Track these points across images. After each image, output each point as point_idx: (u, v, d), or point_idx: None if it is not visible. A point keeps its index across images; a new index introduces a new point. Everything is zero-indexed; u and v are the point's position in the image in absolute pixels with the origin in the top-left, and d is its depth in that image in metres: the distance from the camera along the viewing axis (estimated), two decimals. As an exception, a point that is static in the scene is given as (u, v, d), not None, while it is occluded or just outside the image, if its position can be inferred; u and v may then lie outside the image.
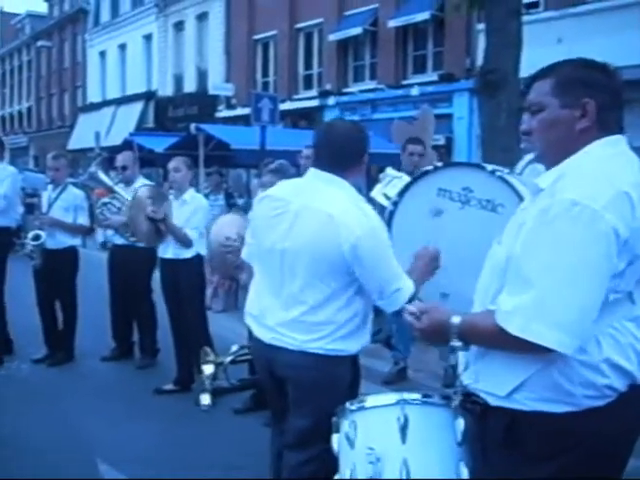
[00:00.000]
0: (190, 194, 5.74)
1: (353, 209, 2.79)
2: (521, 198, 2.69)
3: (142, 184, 6.22)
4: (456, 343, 2.02)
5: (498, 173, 2.89)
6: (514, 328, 1.84)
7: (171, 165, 5.72)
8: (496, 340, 1.92)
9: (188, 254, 5.62)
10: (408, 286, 2.82)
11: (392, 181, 3.47)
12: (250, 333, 3.24)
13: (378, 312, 3.08)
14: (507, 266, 1.95)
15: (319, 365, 2.84)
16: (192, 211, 5.60)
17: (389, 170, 3.54)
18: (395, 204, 3.10)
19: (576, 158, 1.96)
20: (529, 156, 3.75)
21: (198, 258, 5.73)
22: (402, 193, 3.10)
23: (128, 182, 6.41)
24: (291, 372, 2.89)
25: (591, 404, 1.88)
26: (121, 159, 6.53)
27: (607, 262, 1.80)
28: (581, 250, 1.79)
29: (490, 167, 2.97)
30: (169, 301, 5.85)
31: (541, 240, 1.85)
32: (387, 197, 3.38)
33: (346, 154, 2.90)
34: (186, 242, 5.55)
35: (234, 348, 3.57)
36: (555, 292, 1.81)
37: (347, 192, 2.87)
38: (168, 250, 5.68)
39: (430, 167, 3.10)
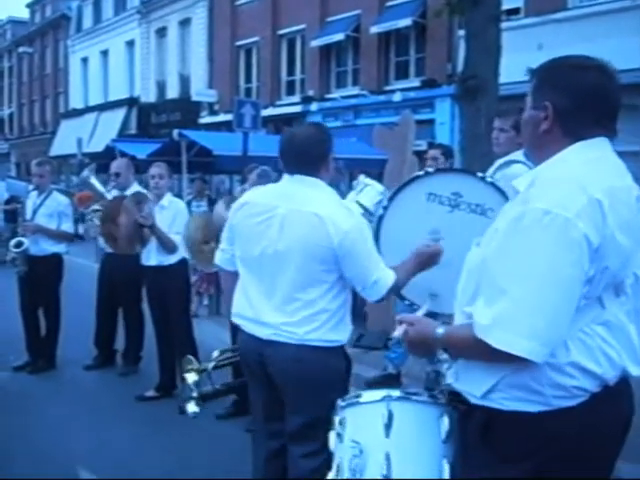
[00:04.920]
0: (168, 199, 5.75)
1: (337, 207, 2.98)
2: None
3: (135, 190, 6.25)
4: (442, 355, 2.07)
5: (488, 179, 3.00)
6: (494, 340, 1.83)
7: (155, 171, 5.71)
8: (476, 352, 1.93)
9: (172, 260, 5.64)
10: (387, 275, 2.97)
11: (364, 189, 3.50)
12: (234, 335, 3.25)
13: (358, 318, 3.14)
14: (482, 270, 1.96)
15: (318, 357, 2.97)
16: (173, 216, 5.62)
17: (362, 177, 3.57)
18: (385, 208, 3.17)
19: (550, 163, 1.97)
20: (499, 161, 3.80)
21: (183, 263, 5.76)
22: (392, 197, 3.18)
23: (122, 189, 6.38)
24: (291, 366, 2.97)
25: (562, 404, 1.90)
26: (115, 166, 6.51)
27: (579, 270, 1.81)
28: (553, 259, 1.79)
29: (479, 174, 3.07)
30: (155, 308, 5.83)
31: (513, 249, 1.85)
32: (360, 204, 3.42)
33: (310, 157, 3.03)
34: (172, 247, 5.55)
35: (215, 354, 3.61)
36: (527, 301, 1.81)
37: (326, 191, 3.05)
38: (151, 257, 5.66)
39: (421, 172, 3.18)
